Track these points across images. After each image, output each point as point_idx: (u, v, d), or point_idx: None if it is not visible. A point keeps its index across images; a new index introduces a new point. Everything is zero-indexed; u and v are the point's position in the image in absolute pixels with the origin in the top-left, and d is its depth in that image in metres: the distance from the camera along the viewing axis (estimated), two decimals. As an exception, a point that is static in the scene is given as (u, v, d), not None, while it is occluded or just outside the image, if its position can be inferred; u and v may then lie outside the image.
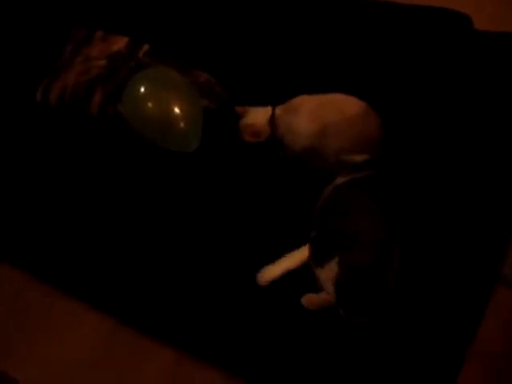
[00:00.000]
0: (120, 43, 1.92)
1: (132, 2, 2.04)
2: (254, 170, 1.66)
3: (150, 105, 1.67)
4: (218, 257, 1.47)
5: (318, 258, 1.32)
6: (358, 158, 1.49)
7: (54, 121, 1.90)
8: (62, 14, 2.11)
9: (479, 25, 1.61)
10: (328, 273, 1.27)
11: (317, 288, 1.32)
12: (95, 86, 1.84)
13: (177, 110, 1.67)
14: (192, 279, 1.46)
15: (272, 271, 1.36)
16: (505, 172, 1.42)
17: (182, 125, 1.68)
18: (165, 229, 1.56)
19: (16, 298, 1.97)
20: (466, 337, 1.25)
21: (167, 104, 1.68)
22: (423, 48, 1.62)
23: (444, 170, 1.47)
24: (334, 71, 1.70)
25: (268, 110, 1.69)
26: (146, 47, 1.91)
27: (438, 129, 1.54)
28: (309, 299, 1.31)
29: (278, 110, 1.68)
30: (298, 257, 1.37)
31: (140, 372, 1.75)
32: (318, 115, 1.61)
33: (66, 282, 1.83)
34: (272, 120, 1.67)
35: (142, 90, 1.68)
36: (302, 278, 1.35)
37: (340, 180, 1.45)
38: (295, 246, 1.40)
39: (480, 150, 1.46)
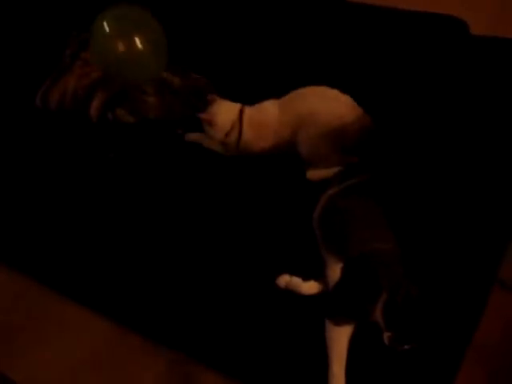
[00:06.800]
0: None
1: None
2: (250, 178, 1.66)
3: (115, 40, 1.70)
4: (213, 262, 1.47)
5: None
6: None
7: (53, 125, 1.91)
8: (61, 18, 2.13)
9: (475, 30, 1.62)
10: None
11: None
12: (94, 90, 1.85)
13: (141, 43, 1.71)
14: (191, 283, 1.46)
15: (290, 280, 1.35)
16: (503, 174, 1.42)
17: (146, 56, 1.73)
18: (162, 233, 1.56)
19: (15, 301, 1.98)
20: (463, 338, 1.25)
21: (132, 38, 1.71)
22: (420, 53, 1.64)
23: (442, 173, 1.47)
24: (331, 75, 1.71)
25: (236, 107, 1.72)
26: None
27: (435, 133, 1.54)
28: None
29: (248, 109, 1.71)
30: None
31: (139, 374, 1.75)
32: (288, 107, 1.65)
33: (67, 285, 1.84)
34: (241, 117, 1.70)
35: (107, 28, 1.71)
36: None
37: (333, 190, 1.45)
38: (293, 254, 1.42)
39: (478, 153, 1.47)
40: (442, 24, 1.62)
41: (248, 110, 1.72)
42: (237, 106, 1.73)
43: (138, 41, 1.71)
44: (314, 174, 1.60)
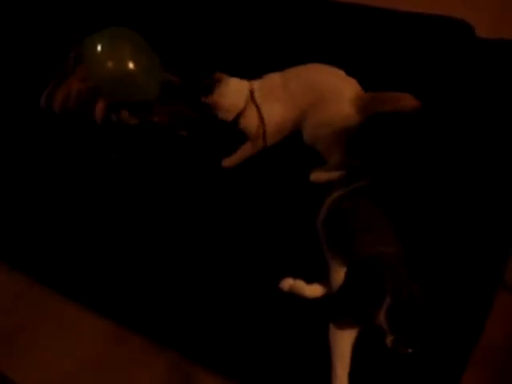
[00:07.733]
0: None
1: (135, 9, 2.08)
2: (254, 180, 1.67)
3: (109, 63, 1.73)
4: (216, 264, 1.48)
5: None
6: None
7: (57, 127, 1.91)
8: (65, 20, 2.13)
9: (478, 31, 1.63)
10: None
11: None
12: (99, 92, 1.85)
13: (133, 66, 1.74)
14: (193, 285, 1.47)
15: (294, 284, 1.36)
16: (507, 176, 1.43)
17: (140, 78, 1.76)
18: (163, 234, 1.57)
19: (15, 301, 1.98)
20: (467, 342, 1.26)
21: (125, 61, 1.74)
22: (425, 55, 1.64)
23: (446, 175, 1.47)
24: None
25: (244, 86, 1.70)
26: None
27: (440, 135, 1.54)
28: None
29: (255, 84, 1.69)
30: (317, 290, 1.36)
31: (139, 374, 1.76)
32: (293, 76, 1.65)
33: (66, 284, 1.84)
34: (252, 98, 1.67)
35: (100, 48, 1.73)
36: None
37: (338, 192, 1.45)
38: (296, 257, 1.42)
39: (481, 155, 1.47)
40: (447, 26, 1.63)
41: (255, 84, 1.70)
42: (245, 84, 1.70)
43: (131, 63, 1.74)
44: (317, 177, 1.61)
